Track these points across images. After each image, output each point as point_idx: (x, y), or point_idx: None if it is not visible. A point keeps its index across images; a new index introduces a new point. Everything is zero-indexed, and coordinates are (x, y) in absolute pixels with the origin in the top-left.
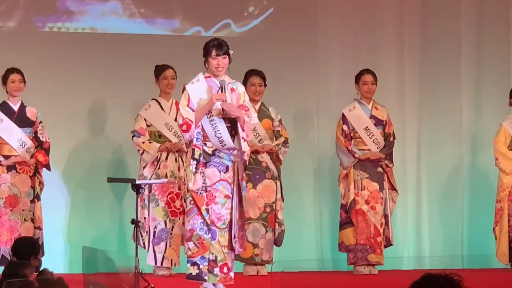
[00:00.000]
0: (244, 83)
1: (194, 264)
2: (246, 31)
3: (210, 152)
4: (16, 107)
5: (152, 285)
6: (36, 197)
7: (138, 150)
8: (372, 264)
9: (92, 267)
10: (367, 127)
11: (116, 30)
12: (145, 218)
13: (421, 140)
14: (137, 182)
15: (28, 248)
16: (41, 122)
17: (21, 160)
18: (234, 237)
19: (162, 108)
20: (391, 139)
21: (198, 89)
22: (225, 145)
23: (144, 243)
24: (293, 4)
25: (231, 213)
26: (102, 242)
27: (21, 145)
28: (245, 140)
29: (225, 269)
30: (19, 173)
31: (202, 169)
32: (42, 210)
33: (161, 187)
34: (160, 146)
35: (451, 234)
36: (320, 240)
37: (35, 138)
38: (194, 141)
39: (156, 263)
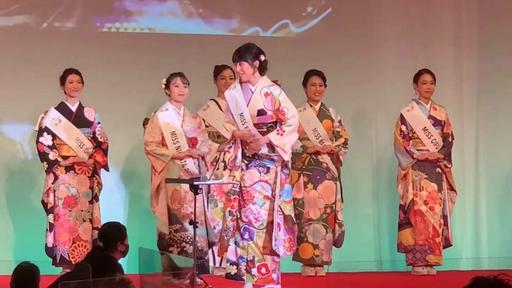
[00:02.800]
0: (304, 83)
1: (233, 263)
2: (304, 31)
3: (251, 155)
4: (74, 108)
5: (210, 286)
6: (95, 198)
7: None
8: (430, 264)
9: (148, 268)
10: (425, 127)
11: (174, 30)
12: None
13: (480, 140)
14: (195, 182)
15: (114, 233)
16: (99, 122)
17: (79, 161)
18: (275, 240)
19: (220, 109)
20: (450, 139)
21: (233, 96)
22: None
23: None
24: (351, 4)
25: (271, 214)
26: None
27: (79, 145)
28: (285, 152)
29: (263, 270)
30: (78, 173)
31: (233, 172)
32: (100, 210)
33: (220, 187)
34: (218, 147)
35: (510, 235)
36: (378, 241)
37: (93, 138)
38: (225, 147)
39: (214, 263)
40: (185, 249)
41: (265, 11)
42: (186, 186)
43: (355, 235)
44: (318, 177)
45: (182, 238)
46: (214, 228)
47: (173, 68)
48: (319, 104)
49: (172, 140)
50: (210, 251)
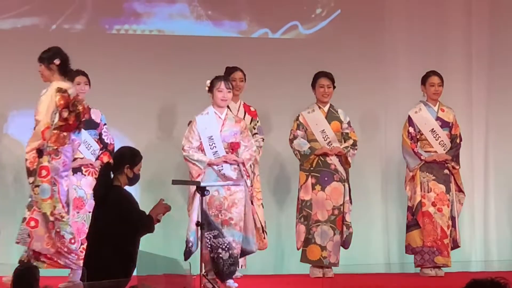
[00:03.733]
0: (313, 84)
1: None
2: (314, 32)
3: None
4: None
5: (217, 287)
6: None
7: None
8: (438, 266)
9: (146, 270)
10: (433, 129)
11: (183, 32)
12: None
13: (489, 142)
14: (202, 184)
15: (126, 155)
16: (105, 124)
17: (86, 163)
18: None
19: (230, 110)
20: (458, 140)
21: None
22: None
23: None
24: (361, 5)
25: None
26: (168, 246)
27: (86, 147)
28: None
29: None
30: (85, 175)
31: None
32: None
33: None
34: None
35: None
36: (387, 242)
37: (100, 140)
38: None
39: None
40: (220, 255)
41: (274, 13)
42: (224, 192)
43: (364, 237)
44: (326, 178)
45: (219, 244)
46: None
47: (181, 70)
48: (328, 105)
49: (209, 145)
50: None
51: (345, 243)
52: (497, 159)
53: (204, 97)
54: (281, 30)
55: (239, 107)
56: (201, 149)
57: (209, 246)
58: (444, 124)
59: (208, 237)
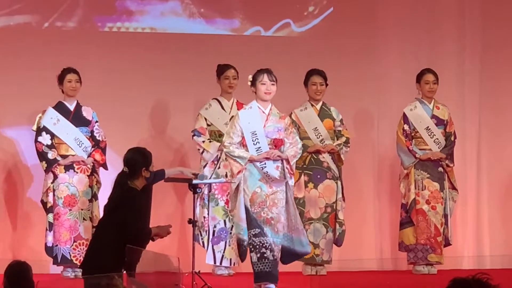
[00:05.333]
0: (305, 82)
1: None
2: (306, 30)
3: None
4: (72, 107)
5: (209, 285)
6: (94, 196)
7: (198, 149)
8: (431, 263)
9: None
10: (428, 126)
11: (176, 30)
12: (204, 217)
13: (482, 139)
14: (194, 182)
15: (139, 159)
16: (97, 121)
17: (78, 160)
18: None
19: (222, 108)
20: (452, 138)
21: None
22: None
23: (203, 243)
24: (353, 3)
25: None
26: (162, 242)
27: (78, 144)
28: None
29: None
30: (77, 172)
31: None
32: (99, 209)
33: (221, 186)
34: (219, 146)
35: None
36: (380, 239)
37: (92, 137)
38: None
39: (215, 262)
40: (265, 255)
41: (267, 11)
42: (267, 189)
43: (357, 234)
44: (318, 176)
45: (261, 244)
46: (215, 227)
47: (174, 67)
48: (320, 103)
49: (252, 140)
50: (210, 249)
51: (338, 241)
52: (489, 156)
53: (196, 93)
54: (273, 28)
55: (232, 104)
56: (243, 144)
57: (251, 246)
58: (439, 122)
59: (248, 236)
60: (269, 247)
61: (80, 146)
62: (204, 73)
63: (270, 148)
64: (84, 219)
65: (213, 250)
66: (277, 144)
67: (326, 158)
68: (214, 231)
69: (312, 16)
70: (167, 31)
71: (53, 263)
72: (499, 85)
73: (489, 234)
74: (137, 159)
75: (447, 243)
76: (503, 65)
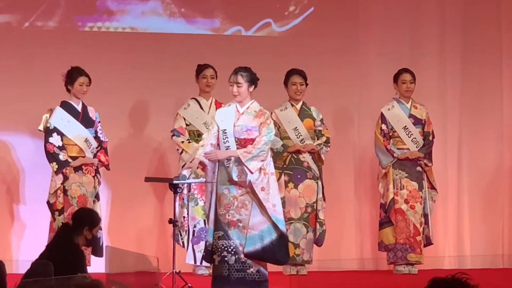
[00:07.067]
0: (285, 82)
1: None
2: (287, 30)
3: None
4: (79, 107)
5: (189, 284)
6: (96, 197)
7: (178, 150)
8: (411, 263)
9: (116, 267)
10: (406, 126)
11: (156, 30)
12: (184, 217)
13: (462, 139)
14: (174, 181)
15: (86, 218)
16: (99, 121)
17: (88, 162)
18: None
19: (201, 107)
20: (430, 138)
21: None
22: None
23: (183, 242)
24: (334, 3)
25: None
26: (142, 242)
27: (88, 146)
28: None
29: None
30: (85, 173)
31: None
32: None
33: (200, 186)
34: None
35: (492, 233)
36: (360, 239)
37: (96, 137)
38: None
39: (195, 262)
40: (225, 259)
41: (247, 11)
42: (236, 191)
43: (337, 234)
44: (299, 176)
45: (224, 247)
46: (195, 227)
47: (154, 67)
48: (300, 103)
49: (223, 139)
50: (190, 249)
51: (318, 241)
52: (470, 155)
53: (176, 93)
54: (254, 27)
55: (210, 104)
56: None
57: (214, 247)
58: (417, 122)
59: (213, 238)
60: (232, 250)
61: (89, 148)
62: (185, 73)
63: (237, 148)
64: None
65: (193, 250)
66: (245, 144)
67: (306, 158)
68: (194, 231)
69: (292, 16)
70: (148, 30)
71: None
72: (480, 85)
73: (469, 234)
74: (84, 216)
75: (429, 243)
76: (484, 65)
